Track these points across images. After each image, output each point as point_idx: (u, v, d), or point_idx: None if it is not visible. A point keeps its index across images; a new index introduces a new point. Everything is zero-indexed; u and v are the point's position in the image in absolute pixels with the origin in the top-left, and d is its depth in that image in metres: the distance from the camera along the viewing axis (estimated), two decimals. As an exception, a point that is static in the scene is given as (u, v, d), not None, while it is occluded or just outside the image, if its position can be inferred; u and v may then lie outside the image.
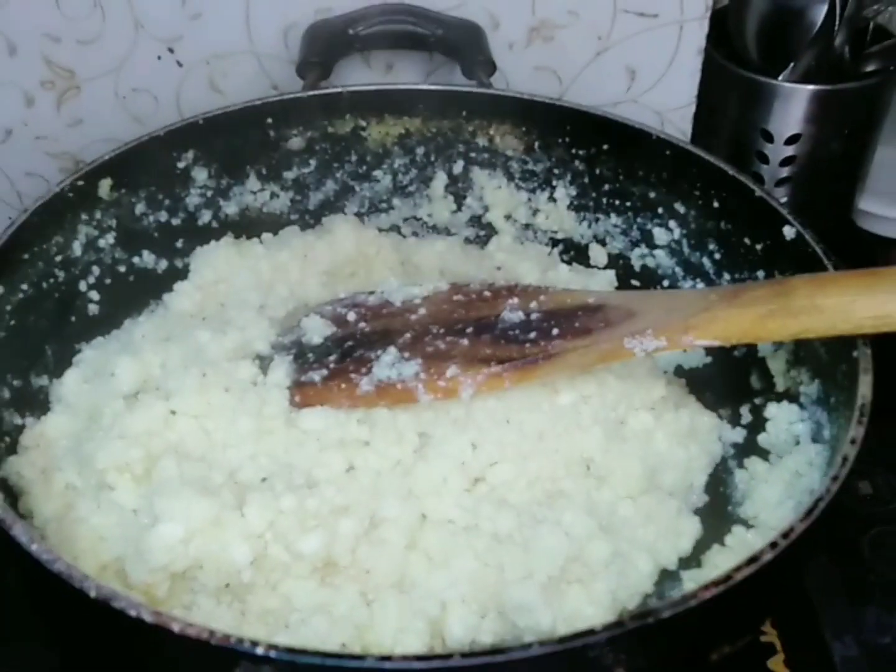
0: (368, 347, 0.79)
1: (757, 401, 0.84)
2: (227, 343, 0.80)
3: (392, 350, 0.77)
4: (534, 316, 0.79)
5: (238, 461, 0.73)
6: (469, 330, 0.78)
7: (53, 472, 0.74)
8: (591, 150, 0.94)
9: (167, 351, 0.80)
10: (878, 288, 0.67)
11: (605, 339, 0.74)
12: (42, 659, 0.73)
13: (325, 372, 0.78)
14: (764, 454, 0.79)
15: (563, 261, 1.00)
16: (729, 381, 0.86)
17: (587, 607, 0.67)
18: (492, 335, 0.77)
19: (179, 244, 0.93)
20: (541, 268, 0.96)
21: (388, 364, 0.76)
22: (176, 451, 0.73)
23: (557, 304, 0.80)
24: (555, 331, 0.76)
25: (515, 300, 0.81)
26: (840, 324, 0.68)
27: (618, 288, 0.96)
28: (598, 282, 0.96)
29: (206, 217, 0.94)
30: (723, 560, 0.71)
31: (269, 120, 0.93)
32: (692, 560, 0.74)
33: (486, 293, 0.82)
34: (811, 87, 1.03)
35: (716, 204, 0.88)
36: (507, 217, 1.01)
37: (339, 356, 0.79)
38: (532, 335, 0.76)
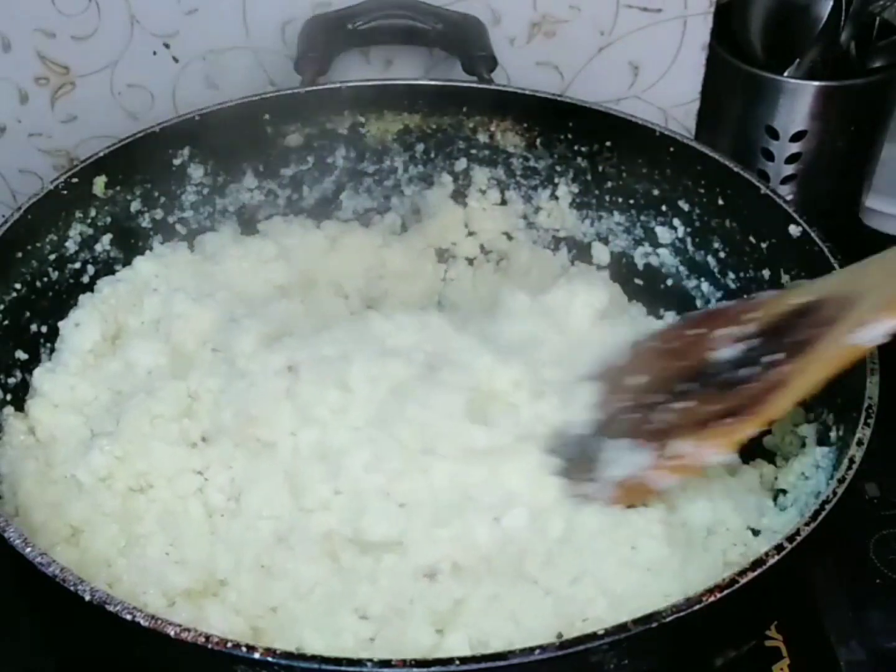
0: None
1: (762, 401, 0.83)
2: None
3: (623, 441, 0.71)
4: (750, 343, 0.69)
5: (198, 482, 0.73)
6: (688, 387, 0.70)
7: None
8: (593, 147, 0.94)
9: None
10: None
11: (829, 342, 0.64)
12: (40, 662, 0.73)
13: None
14: (769, 456, 0.78)
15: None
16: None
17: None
18: (716, 384, 0.69)
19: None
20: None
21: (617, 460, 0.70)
22: (144, 481, 0.72)
23: (773, 313, 0.70)
24: (776, 356, 0.67)
25: (725, 330, 0.71)
26: None
27: (624, 287, 0.95)
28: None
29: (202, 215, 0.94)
30: (727, 564, 0.70)
31: (267, 116, 0.92)
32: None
33: (691, 332, 0.74)
34: (817, 83, 1.02)
35: (720, 201, 0.87)
36: (508, 215, 1.00)
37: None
38: (754, 370, 0.67)
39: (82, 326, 0.80)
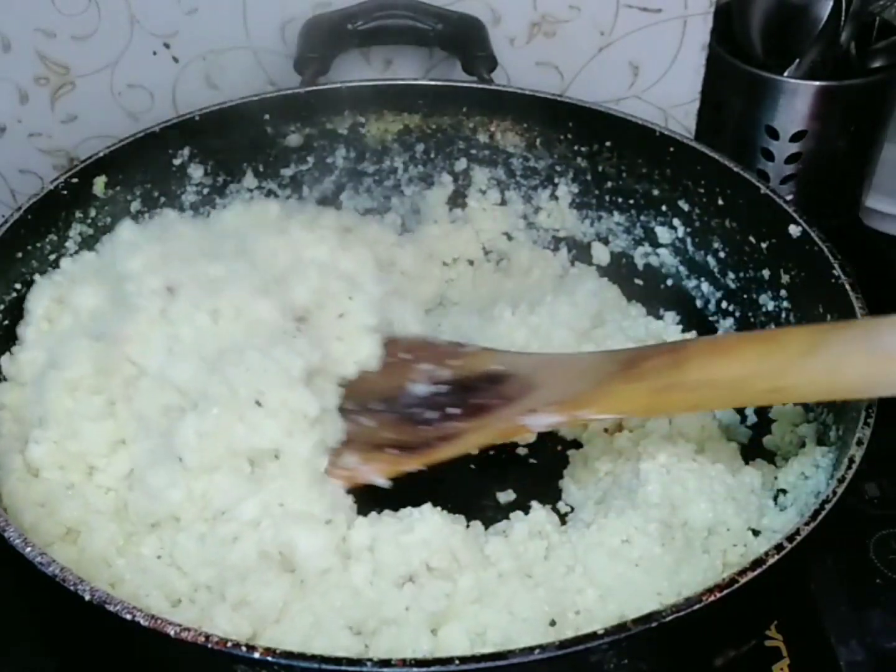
0: None
1: (762, 402, 0.83)
2: None
3: None
4: (441, 388, 0.76)
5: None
6: (379, 407, 0.76)
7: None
8: (593, 147, 0.94)
9: None
10: (772, 359, 0.65)
11: (503, 416, 0.73)
12: (40, 662, 0.72)
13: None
14: (769, 456, 0.78)
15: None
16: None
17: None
18: (400, 414, 0.75)
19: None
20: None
21: None
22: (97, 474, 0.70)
23: (469, 369, 0.77)
24: (456, 410, 0.74)
25: (427, 366, 0.77)
26: (736, 398, 0.69)
27: (624, 287, 0.95)
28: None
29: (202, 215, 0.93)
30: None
31: (267, 116, 0.92)
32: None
33: (401, 355, 0.79)
34: (817, 83, 1.02)
35: (720, 202, 0.87)
36: (508, 215, 1.00)
37: None
38: (435, 414, 0.75)
39: (32, 295, 0.78)
